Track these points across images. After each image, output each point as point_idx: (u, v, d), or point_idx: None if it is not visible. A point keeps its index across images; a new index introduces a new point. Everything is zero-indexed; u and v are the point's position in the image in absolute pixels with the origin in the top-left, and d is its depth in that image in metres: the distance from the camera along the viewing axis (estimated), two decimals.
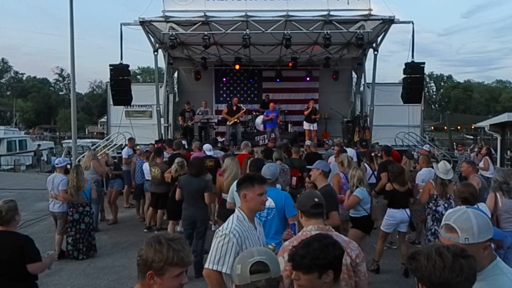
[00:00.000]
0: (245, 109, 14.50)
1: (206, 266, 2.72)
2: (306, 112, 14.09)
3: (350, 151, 9.43)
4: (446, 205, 5.84)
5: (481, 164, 10.84)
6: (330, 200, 4.10)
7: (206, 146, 8.91)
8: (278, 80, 17.12)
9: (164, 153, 9.45)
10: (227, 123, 14.06)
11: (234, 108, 14.11)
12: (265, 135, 13.86)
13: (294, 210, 4.25)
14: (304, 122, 14.40)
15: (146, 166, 9.07)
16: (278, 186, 4.82)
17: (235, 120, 13.94)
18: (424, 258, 1.58)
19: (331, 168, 5.43)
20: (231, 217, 2.97)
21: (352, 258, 2.61)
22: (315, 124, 14.23)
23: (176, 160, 7.58)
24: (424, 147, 11.85)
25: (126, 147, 10.93)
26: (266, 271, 1.77)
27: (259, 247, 1.84)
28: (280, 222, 4.21)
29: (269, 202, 4.21)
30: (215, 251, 2.71)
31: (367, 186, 5.74)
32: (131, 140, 11.40)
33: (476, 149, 14.78)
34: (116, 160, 9.73)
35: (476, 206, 4.28)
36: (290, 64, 15.85)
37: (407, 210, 6.31)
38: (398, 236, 6.64)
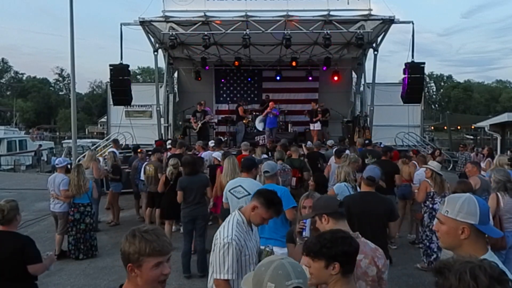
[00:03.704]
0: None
1: (215, 276, 2.78)
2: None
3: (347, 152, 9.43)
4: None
5: (483, 165, 10.83)
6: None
7: (216, 154, 8.72)
8: (278, 78, 17.09)
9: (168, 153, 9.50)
10: (244, 121, 14.46)
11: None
12: (265, 135, 13.88)
13: (291, 202, 4.33)
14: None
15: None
16: None
17: (249, 119, 14.55)
18: (455, 278, 1.39)
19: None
20: (229, 220, 2.93)
21: (378, 268, 2.56)
22: (316, 124, 14.26)
23: (170, 161, 7.54)
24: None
25: (112, 148, 10.91)
26: None
27: (292, 262, 1.67)
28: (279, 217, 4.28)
29: None
30: (222, 260, 2.76)
31: (352, 182, 5.63)
32: (116, 141, 11.37)
33: (476, 149, 14.79)
34: (116, 163, 9.69)
35: None
36: (294, 64, 15.79)
37: None
38: None
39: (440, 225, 1.98)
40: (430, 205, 6.13)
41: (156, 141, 13.05)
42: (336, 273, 2.02)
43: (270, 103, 14.17)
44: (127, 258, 1.81)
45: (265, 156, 8.82)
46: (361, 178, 4.83)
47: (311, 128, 14.50)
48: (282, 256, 1.74)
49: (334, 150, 8.94)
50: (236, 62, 15.85)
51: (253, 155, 8.24)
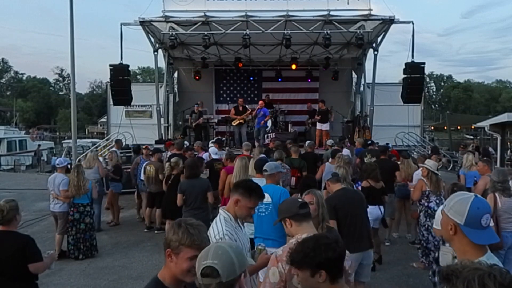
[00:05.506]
0: (250, 109, 14.25)
1: None
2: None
3: (345, 151, 9.41)
4: (437, 201, 5.99)
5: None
6: None
7: (212, 150, 8.70)
8: (279, 80, 17.07)
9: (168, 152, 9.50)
10: (232, 123, 13.89)
11: (241, 109, 13.96)
12: (266, 135, 13.80)
13: None
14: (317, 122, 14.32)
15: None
16: None
17: (241, 120, 13.79)
18: (463, 285, 1.33)
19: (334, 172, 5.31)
20: (216, 220, 2.91)
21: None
22: (325, 124, 13.80)
23: (172, 159, 7.55)
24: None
25: (115, 149, 10.94)
26: (216, 277, 1.70)
27: (218, 246, 1.80)
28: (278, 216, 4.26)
29: (266, 198, 4.24)
30: None
31: (348, 184, 5.61)
32: (118, 142, 11.39)
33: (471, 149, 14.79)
34: (118, 163, 9.68)
35: None
36: (295, 67, 15.71)
37: (381, 207, 6.32)
38: None
39: (442, 216, 2.08)
40: (426, 204, 6.15)
41: (156, 141, 13.04)
42: (324, 280, 1.96)
43: (260, 102, 13.90)
44: (168, 244, 1.96)
45: (263, 156, 8.76)
46: (327, 183, 4.79)
47: (324, 128, 13.79)
48: (225, 241, 1.79)
49: (331, 150, 8.91)
50: (240, 63, 15.85)
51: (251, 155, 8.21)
